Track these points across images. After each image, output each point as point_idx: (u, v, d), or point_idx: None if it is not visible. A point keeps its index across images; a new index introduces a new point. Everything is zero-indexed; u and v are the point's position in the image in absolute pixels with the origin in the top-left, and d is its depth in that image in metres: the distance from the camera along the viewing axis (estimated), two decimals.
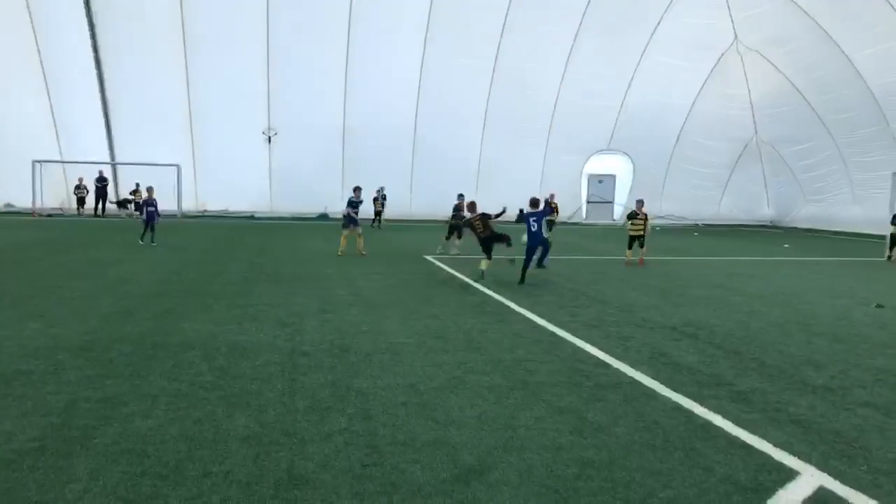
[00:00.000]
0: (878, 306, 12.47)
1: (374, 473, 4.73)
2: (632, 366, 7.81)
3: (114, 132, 34.67)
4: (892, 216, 22.42)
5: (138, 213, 34.23)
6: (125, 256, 17.26)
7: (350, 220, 18.66)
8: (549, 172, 37.81)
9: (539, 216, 14.55)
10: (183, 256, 17.60)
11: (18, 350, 7.74)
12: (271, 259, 17.68)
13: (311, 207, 36.61)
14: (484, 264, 14.68)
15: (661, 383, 7.15)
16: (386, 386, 6.75)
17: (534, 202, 14.91)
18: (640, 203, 18.87)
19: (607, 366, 7.83)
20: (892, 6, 28.14)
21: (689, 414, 6.21)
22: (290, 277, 14.30)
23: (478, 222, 14.99)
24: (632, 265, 18.00)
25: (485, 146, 37.25)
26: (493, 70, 35.55)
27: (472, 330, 9.54)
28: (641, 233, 18.29)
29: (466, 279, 14.66)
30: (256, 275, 14.64)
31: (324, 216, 36.58)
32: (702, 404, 6.47)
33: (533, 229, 14.35)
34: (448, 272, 15.91)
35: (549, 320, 10.26)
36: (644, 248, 18.39)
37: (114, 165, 35.38)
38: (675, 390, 6.90)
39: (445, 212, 35.08)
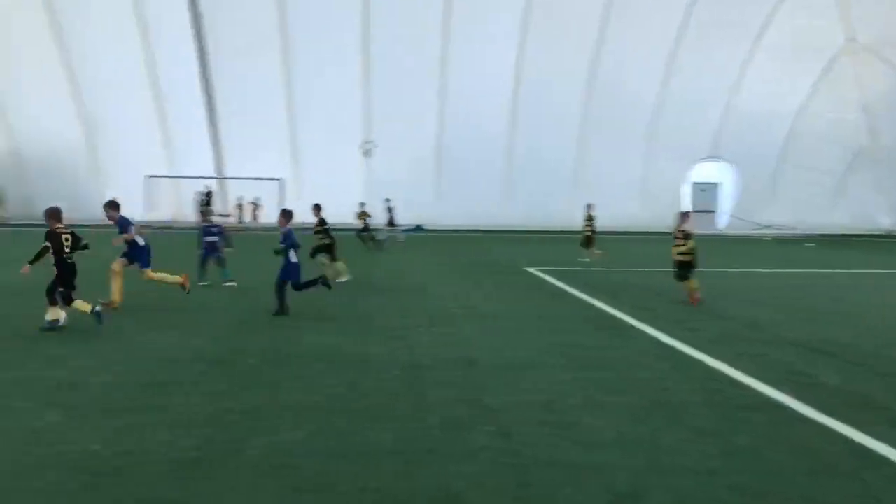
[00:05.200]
0: None
1: (528, 495, 4.63)
2: (770, 385, 7.42)
3: (221, 147, 36.12)
4: None
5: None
6: (240, 267, 17.74)
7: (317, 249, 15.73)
8: (649, 179, 37.02)
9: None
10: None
11: (162, 360, 8.06)
12: (373, 271, 17.91)
13: (405, 219, 36.95)
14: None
15: (807, 405, 6.75)
16: (518, 403, 6.64)
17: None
18: (683, 216, 13.38)
19: (744, 386, 7.47)
20: None
21: (847, 440, 5.83)
22: (395, 289, 14.43)
23: None
24: (693, 301, 12.90)
25: (582, 153, 36.84)
26: (590, 76, 35.19)
27: (594, 346, 9.34)
28: (688, 258, 13.00)
29: (579, 293, 14.40)
30: (361, 287, 14.83)
31: (419, 228, 36.91)
32: (858, 429, 6.06)
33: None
34: (556, 285, 15.70)
35: (671, 336, 9.92)
36: (693, 281, 12.98)
37: (220, 180, 36.82)
38: (824, 413, 6.50)
39: (540, 220, 35.04)
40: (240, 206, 36.75)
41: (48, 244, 9.48)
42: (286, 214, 11.66)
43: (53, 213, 9.83)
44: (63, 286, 9.61)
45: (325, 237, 15.70)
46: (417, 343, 9.25)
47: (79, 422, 5.90)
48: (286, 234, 11.23)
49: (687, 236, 12.94)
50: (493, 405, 6.57)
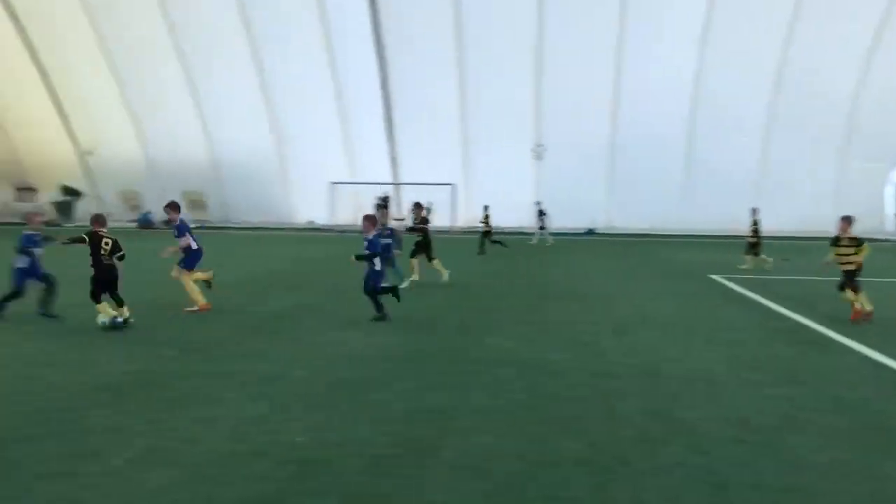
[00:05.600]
0: None
1: None
2: None
3: (397, 153, 37.56)
4: None
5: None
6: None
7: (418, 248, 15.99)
8: (844, 181, 34.08)
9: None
10: (462, 271, 18.29)
11: (353, 357, 8.47)
12: (548, 276, 17.80)
13: (577, 223, 36.50)
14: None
15: None
16: (711, 418, 6.31)
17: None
18: (846, 221, 11.86)
19: None
20: None
21: None
22: (571, 295, 14.24)
23: None
24: (865, 319, 11.37)
25: (766, 154, 34.63)
26: (778, 74, 33.03)
27: (789, 359, 8.70)
28: (852, 266, 11.63)
29: (767, 301, 13.51)
30: (539, 291, 14.79)
31: (591, 231, 36.35)
32: None
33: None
34: (741, 293, 14.83)
35: (882, 353, 9.01)
36: (858, 294, 11.57)
37: (396, 185, 38.27)
38: None
39: (720, 224, 33.13)
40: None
41: (85, 236, 10.07)
42: (370, 220, 11.42)
43: (98, 219, 10.41)
44: (97, 286, 10.05)
45: (420, 236, 15.85)
46: (600, 350, 9.07)
47: (283, 413, 6.31)
48: (371, 242, 11.01)
49: (859, 243, 11.53)
50: (685, 418, 6.29)
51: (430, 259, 15.91)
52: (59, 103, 38.80)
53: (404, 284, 14.39)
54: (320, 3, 34.44)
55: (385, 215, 16.87)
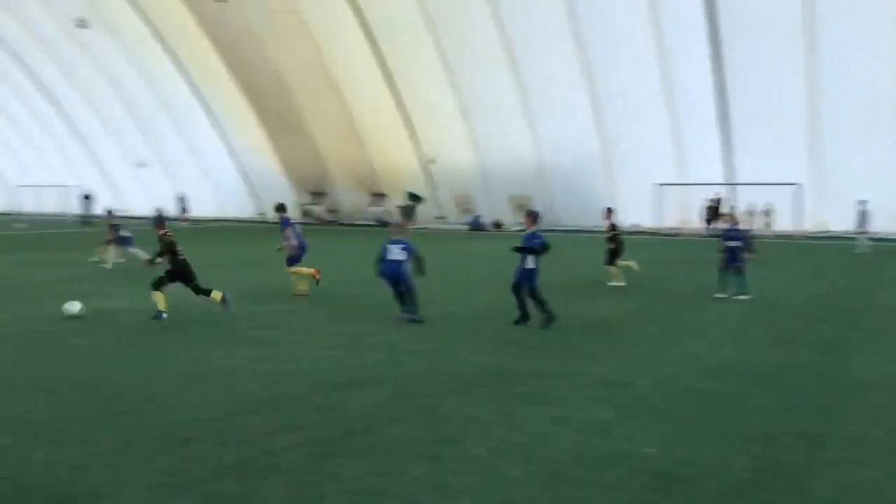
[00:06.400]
0: None
1: None
2: None
3: (732, 153, 35.19)
4: None
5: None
6: (756, 278, 16.70)
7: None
8: None
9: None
10: (810, 280, 16.41)
11: (696, 368, 7.99)
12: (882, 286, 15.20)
13: None
14: None
15: None
16: None
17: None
18: None
19: None
20: None
21: None
22: None
23: None
24: None
25: None
26: None
27: None
28: None
29: None
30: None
31: None
32: None
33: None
34: None
35: None
36: None
37: (731, 186, 35.83)
38: None
39: None
40: (750, 213, 35.28)
41: (166, 250, 10.52)
42: (532, 216, 10.96)
43: (160, 221, 10.86)
44: (178, 279, 10.56)
45: (611, 242, 15.42)
46: None
47: (630, 421, 6.10)
48: (528, 237, 10.49)
49: None
50: None
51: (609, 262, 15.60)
52: (406, 114, 42.95)
53: (745, 296, 13.07)
54: (651, 4, 33.50)
55: (733, 217, 15.84)
